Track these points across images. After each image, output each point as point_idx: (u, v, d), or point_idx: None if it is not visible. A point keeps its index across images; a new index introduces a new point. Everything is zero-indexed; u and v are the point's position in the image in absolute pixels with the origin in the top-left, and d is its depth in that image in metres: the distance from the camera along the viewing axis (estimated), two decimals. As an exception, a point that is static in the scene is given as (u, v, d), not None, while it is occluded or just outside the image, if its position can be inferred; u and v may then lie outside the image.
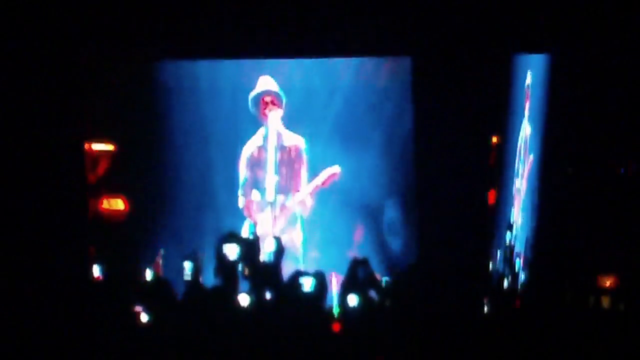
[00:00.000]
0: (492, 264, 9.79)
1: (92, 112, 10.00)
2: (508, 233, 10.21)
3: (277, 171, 11.14)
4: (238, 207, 11.25)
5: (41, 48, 8.96)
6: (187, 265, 8.99)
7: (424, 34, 9.28)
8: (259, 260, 8.22)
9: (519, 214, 10.47)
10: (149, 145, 10.96)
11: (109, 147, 10.95)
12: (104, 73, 10.35)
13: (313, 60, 10.59)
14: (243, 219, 11.21)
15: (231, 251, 7.80)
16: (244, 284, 7.83)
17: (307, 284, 7.57)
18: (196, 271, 8.83)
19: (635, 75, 9.72)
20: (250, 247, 8.05)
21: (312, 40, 9.39)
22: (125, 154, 10.99)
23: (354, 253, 11.11)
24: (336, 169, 11.02)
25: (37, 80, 8.95)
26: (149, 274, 9.57)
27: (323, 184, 11.04)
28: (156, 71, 10.82)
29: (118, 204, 11.04)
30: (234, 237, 8.02)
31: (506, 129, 10.19)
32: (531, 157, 10.55)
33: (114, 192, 11.02)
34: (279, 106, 11.11)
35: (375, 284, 7.82)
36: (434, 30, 9.27)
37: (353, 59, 10.66)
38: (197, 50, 9.54)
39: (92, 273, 9.08)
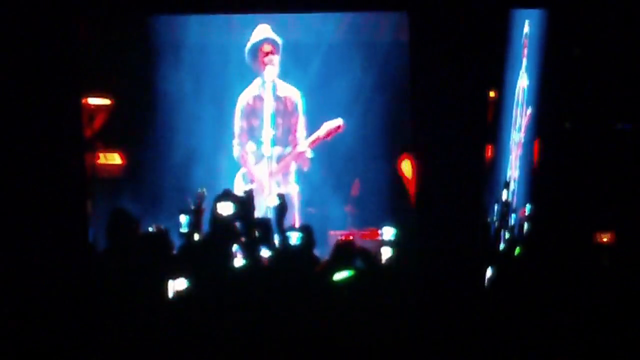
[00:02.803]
0: (489, 218, 9.75)
1: (89, 67, 9.93)
2: (505, 188, 10.23)
3: (274, 123, 11.05)
4: (232, 158, 11.24)
5: (36, 5, 8.91)
6: (183, 219, 9.07)
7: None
8: (253, 218, 8.19)
9: (516, 168, 10.47)
10: (145, 99, 10.95)
11: (105, 101, 10.93)
12: (99, 27, 10.26)
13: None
14: (237, 169, 11.22)
15: (226, 209, 7.75)
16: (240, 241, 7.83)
17: (294, 238, 7.59)
18: (192, 225, 8.86)
19: (633, 30, 9.66)
20: (244, 205, 8.00)
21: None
22: (121, 109, 11.00)
23: (350, 209, 11.22)
24: (339, 121, 10.93)
25: (31, 36, 8.88)
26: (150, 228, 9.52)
27: (326, 136, 10.96)
28: (149, 25, 10.75)
29: (114, 159, 11.07)
30: (228, 195, 7.98)
31: (503, 82, 10.14)
32: (530, 110, 10.54)
33: (110, 147, 11.05)
34: (278, 55, 11.01)
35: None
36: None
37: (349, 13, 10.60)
38: (191, 4, 9.44)
39: (90, 229, 9.09)
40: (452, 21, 9.08)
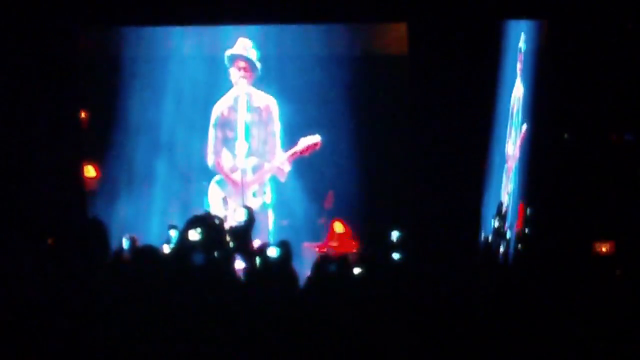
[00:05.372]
0: (484, 233, 9.67)
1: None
2: (499, 201, 10.12)
3: (248, 134, 11.08)
4: (207, 168, 11.16)
5: (20, 21, 9.07)
6: (173, 233, 9.25)
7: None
8: (224, 245, 7.99)
9: (510, 181, 10.37)
10: (120, 112, 10.77)
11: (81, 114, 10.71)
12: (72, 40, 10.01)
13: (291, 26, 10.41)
14: (212, 177, 11.13)
15: (193, 236, 7.40)
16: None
17: (272, 253, 7.54)
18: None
19: (630, 42, 9.63)
20: (216, 232, 7.75)
21: (305, 5, 9.25)
22: (96, 121, 10.77)
23: (324, 220, 11.09)
24: (317, 138, 10.93)
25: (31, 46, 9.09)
26: (125, 243, 9.27)
27: (302, 152, 10.95)
28: (122, 39, 10.64)
29: (89, 171, 10.85)
30: (197, 221, 7.66)
31: (499, 93, 9.99)
32: (525, 126, 10.42)
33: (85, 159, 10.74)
34: (252, 73, 11.06)
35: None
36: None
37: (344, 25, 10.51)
38: (173, 15, 9.37)
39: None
40: (451, 31, 9.19)
